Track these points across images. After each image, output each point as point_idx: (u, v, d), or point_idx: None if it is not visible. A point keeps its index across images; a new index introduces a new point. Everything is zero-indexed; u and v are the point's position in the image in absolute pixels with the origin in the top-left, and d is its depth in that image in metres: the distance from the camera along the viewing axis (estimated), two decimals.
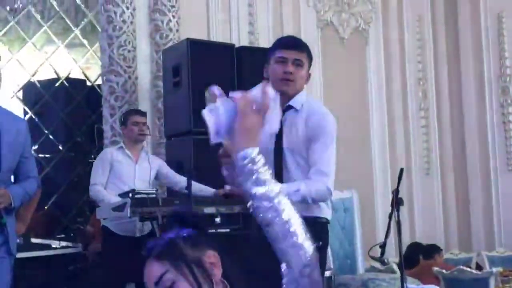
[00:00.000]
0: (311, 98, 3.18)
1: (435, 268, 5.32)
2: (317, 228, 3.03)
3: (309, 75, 3.15)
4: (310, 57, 3.14)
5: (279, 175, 2.97)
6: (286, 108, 3.06)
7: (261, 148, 2.99)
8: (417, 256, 6.33)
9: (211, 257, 1.64)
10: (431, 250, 6.39)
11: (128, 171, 5.15)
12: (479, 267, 6.86)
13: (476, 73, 8.06)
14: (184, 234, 1.64)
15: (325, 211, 3.09)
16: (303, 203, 2.89)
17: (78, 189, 6.68)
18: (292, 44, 3.12)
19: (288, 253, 1.57)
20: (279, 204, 1.57)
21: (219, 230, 5.56)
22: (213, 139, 1.71)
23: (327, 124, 3.01)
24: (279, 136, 3.05)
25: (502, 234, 7.81)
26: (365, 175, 7.55)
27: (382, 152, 7.79)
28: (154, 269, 1.59)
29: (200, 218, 1.81)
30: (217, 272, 1.63)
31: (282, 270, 1.59)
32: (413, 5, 8.09)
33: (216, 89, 1.72)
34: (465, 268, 5.21)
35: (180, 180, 5.04)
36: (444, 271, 5.24)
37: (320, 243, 2.98)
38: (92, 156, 6.75)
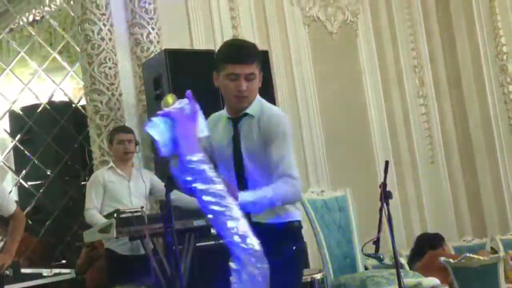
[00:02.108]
0: (264, 102, 3.00)
1: (442, 258, 5.16)
2: (292, 232, 2.98)
3: (261, 77, 2.98)
4: (261, 63, 2.96)
5: (241, 181, 2.87)
6: (242, 115, 2.96)
7: (222, 155, 2.90)
8: (424, 247, 6.19)
9: None
10: (436, 240, 6.24)
11: (122, 190, 5.06)
12: (494, 252, 6.68)
13: (473, 54, 7.88)
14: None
15: (295, 214, 2.98)
16: (271, 208, 2.78)
17: (72, 213, 6.58)
18: (241, 58, 2.88)
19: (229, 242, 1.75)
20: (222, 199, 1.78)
21: (220, 241, 5.45)
22: (163, 152, 1.96)
23: (278, 123, 2.87)
24: (236, 142, 2.94)
25: None
26: (368, 171, 7.37)
27: (384, 144, 7.62)
28: None
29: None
30: None
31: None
32: None
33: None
34: (471, 255, 5.03)
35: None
36: (451, 260, 5.08)
37: (294, 247, 2.89)
38: (84, 178, 6.65)
